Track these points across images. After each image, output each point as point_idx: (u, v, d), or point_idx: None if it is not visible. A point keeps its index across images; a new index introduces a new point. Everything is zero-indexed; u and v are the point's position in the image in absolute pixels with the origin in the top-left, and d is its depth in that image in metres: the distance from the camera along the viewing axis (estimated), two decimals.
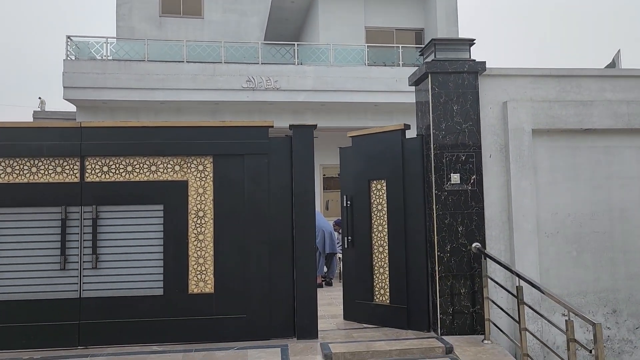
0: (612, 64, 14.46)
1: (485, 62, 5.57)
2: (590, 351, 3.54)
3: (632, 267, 5.72)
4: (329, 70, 13.80)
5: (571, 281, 5.64)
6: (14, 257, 5.06)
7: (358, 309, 6.03)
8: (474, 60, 5.59)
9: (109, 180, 5.23)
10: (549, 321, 4.14)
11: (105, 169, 5.23)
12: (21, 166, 5.14)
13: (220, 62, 13.43)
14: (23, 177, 5.13)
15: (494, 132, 5.67)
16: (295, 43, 14.70)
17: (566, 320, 3.74)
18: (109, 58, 13.15)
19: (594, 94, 5.82)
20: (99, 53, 13.09)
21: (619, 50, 14.41)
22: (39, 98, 20.15)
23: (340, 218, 10.24)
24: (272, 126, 5.47)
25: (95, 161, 5.22)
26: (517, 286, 4.47)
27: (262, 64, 13.74)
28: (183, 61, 13.25)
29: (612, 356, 5.60)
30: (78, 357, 4.76)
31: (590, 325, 3.55)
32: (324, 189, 16.75)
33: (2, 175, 5.11)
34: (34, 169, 5.15)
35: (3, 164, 5.12)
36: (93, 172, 5.22)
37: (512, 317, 4.95)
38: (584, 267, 5.67)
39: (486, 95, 5.68)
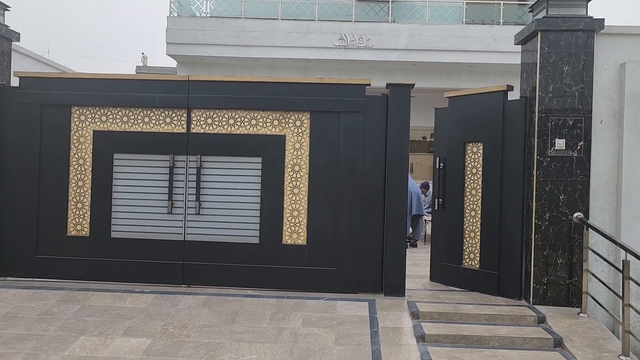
0: None
1: (603, 19, 5.15)
2: None
3: None
4: (424, 28, 13.35)
5: None
6: (129, 199, 5.53)
7: (446, 271, 6.01)
8: (591, 17, 5.19)
9: (212, 132, 5.50)
10: None
11: (209, 120, 5.50)
12: (135, 115, 5.53)
13: (314, 20, 13.41)
14: (137, 126, 5.53)
15: (607, 96, 5.28)
16: (390, 0, 14.32)
17: None
18: (208, 15, 13.55)
19: None
20: (199, 10, 13.51)
21: None
22: (142, 53, 21.28)
23: (426, 181, 10.13)
24: (369, 84, 5.45)
25: (200, 113, 5.50)
26: (623, 260, 4.24)
27: (355, 21, 13.55)
28: (278, 18, 13.37)
29: None
30: (182, 294, 5.18)
31: None
32: (410, 152, 16.51)
33: (119, 124, 5.54)
34: (146, 119, 5.52)
35: (120, 113, 5.54)
36: (198, 123, 5.51)
37: (614, 292, 4.72)
38: None
39: (601, 55, 5.27)
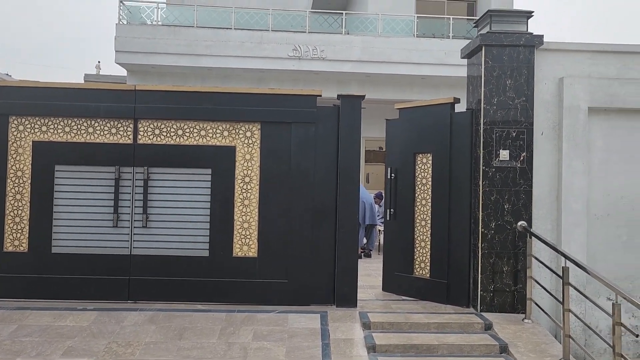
0: None
1: (542, 35, 5.37)
2: (637, 336, 3.47)
3: None
4: (376, 40, 13.58)
5: (619, 265, 5.49)
6: (72, 212, 5.32)
7: (397, 281, 6.07)
8: (531, 33, 5.40)
9: (160, 142, 5.38)
10: (594, 304, 4.08)
11: (157, 131, 5.38)
12: (79, 126, 5.34)
13: (268, 30, 13.41)
14: (80, 137, 5.34)
15: (547, 109, 5.50)
16: (343, 12, 14.51)
17: (613, 304, 3.67)
18: (159, 23, 13.33)
19: None
20: (150, 18, 13.28)
21: None
22: (98, 62, 20.80)
23: (380, 191, 10.24)
24: (320, 95, 5.47)
25: (147, 124, 5.37)
26: (563, 267, 4.39)
27: (309, 32, 13.65)
28: (231, 28, 13.29)
29: None
30: (128, 310, 5.01)
31: (638, 310, 3.48)
32: (365, 162, 16.70)
33: (61, 134, 5.33)
34: (90, 129, 5.35)
35: (62, 122, 5.34)
36: (145, 134, 5.38)
37: (555, 298, 4.89)
38: (634, 251, 5.51)
39: (541, 70, 5.49)
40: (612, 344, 3.70)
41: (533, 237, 5.11)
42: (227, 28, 13.27)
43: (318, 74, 13.68)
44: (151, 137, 5.38)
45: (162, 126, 5.38)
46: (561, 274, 4.43)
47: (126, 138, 5.35)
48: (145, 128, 5.37)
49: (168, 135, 5.39)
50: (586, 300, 4.95)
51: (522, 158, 5.34)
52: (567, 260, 4.48)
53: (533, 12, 5.44)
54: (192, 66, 12.99)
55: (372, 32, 13.98)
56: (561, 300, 4.45)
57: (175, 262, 5.32)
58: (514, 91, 5.37)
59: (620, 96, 5.45)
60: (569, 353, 4.23)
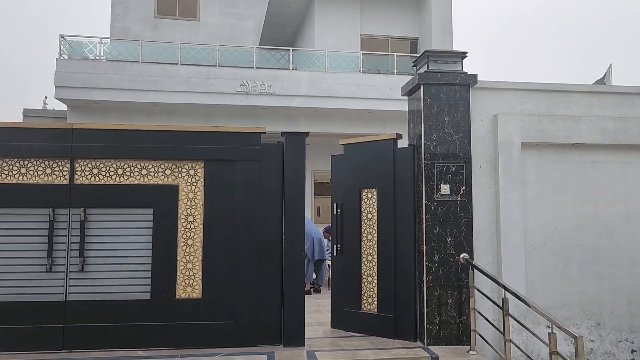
0: (603, 79, 14.63)
1: (476, 75, 5.63)
2: None
3: (617, 281, 5.78)
4: (324, 76, 13.85)
5: (557, 293, 5.69)
6: (2, 258, 5.03)
7: (346, 317, 6.04)
8: (466, 72, 5.65)
9: (98, 182, 5.22)
10: (532, 333, 4.18)
11: (95, 171, 5.22)
12: (10, 166, 5.11)
13: (215, 66, 13.44)
14: (12, 178, 5.11)
15: (484, 144, 5.73)
16: (291, 48, 14.75)
17: (549, 333, 3.78)
18: (102, 58, 13.12)
19: (583, 109, 5.90)
20: (93, 53, 13.06)
21: (610, 65, 14.59)
22: (45, 97, 20.21)
23: (329, 225, 10.27)
24: (265, 132, 5.49)
25: (85, 163, 5.21)
26: (502, 298, 4.51)
27: (256, 68, 13.77)
28: (177, 63, 13.24)
29: None
30: None
31: (572, 338, 3.59)
32: (315, 195, 16.78)
33: None
34: (23, 170, 5.13)
35: None
36: (83, 174, 5.21)
37: (497, 329, 4.99)
38: (569, 279, 5.73)
39: (477, 107, 5.74)
40: None
41: (475, 269, 5.24)
42: (173, 63, 13.21)
43: (266, 109, 13.77)
44: (89, 177, 5.21)
45: (101, 165, 5.23)
46: (502, 305, 4.54)
47: (62, 178, 5.15)
48: (83, 168, 5.21)
49: (107, 174, 5.24)
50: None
51: (462, 192, 5.51)
52: (506, 291, 4.60)
53: (467, 52, 5.71)
54: (137, 102, 12.79)
55: (319, 68, 14.27)
56: (502, 330, 4.55)
57: (114, 306, 5.10)
58: (452, 127, 5.57)
59: (550, 132, 5.75)
60: None
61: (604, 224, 5.84)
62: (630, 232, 5.85)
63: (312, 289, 9.09)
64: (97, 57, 13.12)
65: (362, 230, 6.03)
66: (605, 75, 14.66)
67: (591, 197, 5.85)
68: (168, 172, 5.34)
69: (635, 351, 5.74)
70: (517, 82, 5.93)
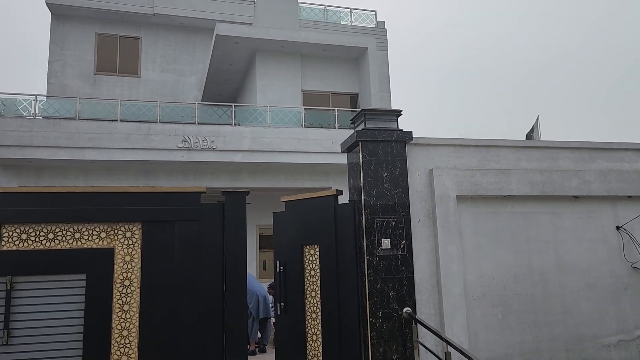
0: (532, 131, 15.60)
1: (411, 132, 5.86)
2: None
3: (553, 329, 5.97)
4: (266, 131, 13.99)
5: (498, 344, 5.79)
6: None
7: None
8: (402, 130, 5.88)
9: (27, 248, 4.94)
10: None
11: (23, 236, 4.95)
12: None
13: (156, 122, 13.32)
14: None
15: (422, 198, 5.90)
16: (233, 104, 14.89)
17: None
18: (37, 116, 12.73)
19: (512, 163, 6.23)
20: (27, 111, 12.65)
21: (537, 118, 15.60)
22: None
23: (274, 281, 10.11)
24: (205, 192, 5.42)
25: (12, 229, 4.94)
26: (445, 352, 4.54)
27: (198, 124, 13.76)
28: (117, 120, 13.03)
29: None
30: None
31: None
32: (260, 249, 16.58)
33: None
34: None
35: None
36: (10, 240, 4.92)
37: None
38: (509, 329, 5.86)
39: (413, 162, 5.94)
40: None
41: (418, 323, 5.26)
42: (112, 120, 12.99)
43: (209, 165, 13.68)
44: (16, 242, 4.93)
45: (30, 230, 4.97)
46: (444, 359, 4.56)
47: None
48: (10, 233, 4.93)
49: (37, 239, 4.98)
50: None
51: (402, 246, 5.60)
52: (448, 346, 4.63)
53: (401, 111, 5.96)
54: (74, 159, 12.40)
55: (261, 123, 14.43)
56: None
57: None
58: (391, 182, 5.72)
59: (483, 185, 6.02)
60: None
61: (538, 273, 6.07)
62: (562, 279, 6.10)
63: (257, 349, 8.82)
64: (31, 115, 12.72)
65: (306, 287, 5.97)
66: (533, 127, 15.64)
67: (525, 247, 6.09)
68: (103, 234, 5.14)
69: None
70: (450, 138, 6.21)
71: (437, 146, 6.11)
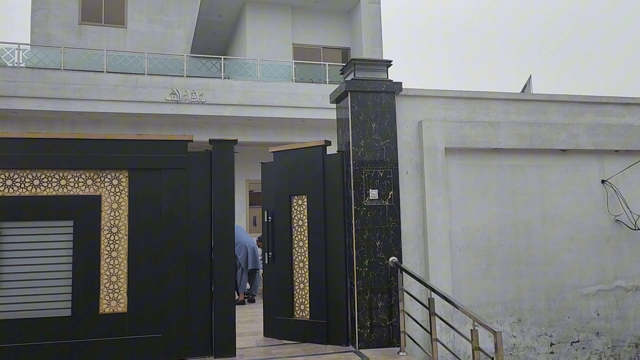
0: (524, 90, 15.55)
1: (401, 82, 5.80)
2: (492, 358, 3.73)
3: (535, 279, 6.11)
4: (256, 85, 13.80)
5: (481, 292, 5.93)
6: None
7: (278, 325, 6.01)
8: (391, 80, 5.81)
9: (12, 194, 4.91)
10: (457, 332, 4.33)
11: (9, 182, 4.91)
12: None
13: (144, 74, 13.06)
14: None
15: (410, 149, 5.90)
16: (222, 57, 14.60)
17: (471, 330, 3.93)
18: (21, 65, 12.43)
19: (501, 115, 6.22)
20: (10, 60, 12.33)
21: (530, 76, 15.50)
22: None
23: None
24: (192, 140, 5.38)
25: None
26: (429, 299, 4.64)
27: (187, 77, 13.51)
28: (103, 71, 12.76)
29: None
30: None
31: (492, 333, 3.74)
32: (250, 205, 16.63)
33: None
34: None
35: None
36: None
37: (425, 329, 5.12)
38: (492, 279, 5.99)
39: (403, 114, 5.91)
40: None
41: (404, 272, 5.36)
42: (99, 71, 12.72)
43: (198, 118, 13.53)
44: (2, 188, 4.89)
45: (15, 176, 4.93)
46: (428, 306, 4.67)
47: None
48: None
49: (22, 186, 4.95)
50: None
51: (390, 197, 5.64)
52: (432, 292, 4.74)
53: (392, 61, 5.88)
54: (60, 111, 12.19)
55: (251, 77, 14.21)
56: (429, 330, 4.68)
57: (33, 325, 4.80)
58: (379, 134, 5.70)
59: (472, 137, 6.02)
60: None
61: (523, 225, 6.16)
62: (546, 232, 6.21)
63: (246, 299, 8.98)
64: (15, 64, 12.41)
65: (293, 237, 6.03)
66: (525, 86, 15.56)
67: (511, 199, 6.16)
68: (89, 182, 5.11)
69: (554, 344, 6.07)
70: (440, 89, 6.17)
71: (426, 98, 6.07)
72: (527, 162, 6.26)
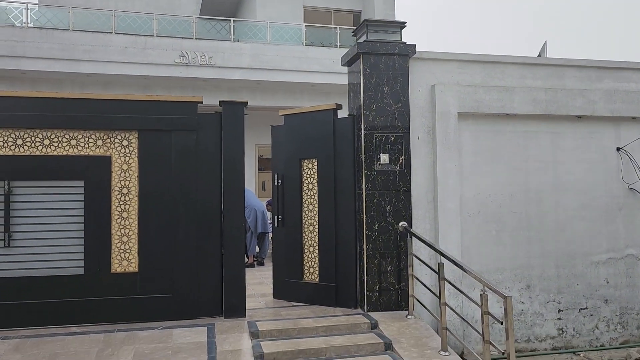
0: (539, 56, 15.21)
1: (415, 45, 5.67)
2: (502, 323, 3.74)
3: (545, 245, 6.08)
4: (266, 48, 13.59)
5: (490, 258, 5.93)
6: None
7: (288, 287, 6.06)
8: (405, 42, 5.67)
9: (23, 154, 4.92)
10: (466, 296, 4.33)
11: (19, 141, 4.91)
12: None
13: (152, 35, 12.90)
14: None
15: (422, 114, 5.81)
16: (232, 19, 14.36)
17: (481, 294, 3.93)
18: (29, 25, 12.30)
19: (516, 80, 6.08)
20: (18, 20, 12.20)
21: (545, 42, 15.14)
22: None
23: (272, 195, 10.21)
24: (202, 102, 5.33)
25: (7, 133, 4.89)
26: (439, 263, 4.64)
27: (196, 39, 13.33)
28: (112, 32, 12.61)
29: (525, 328, 5.97)
30: None
31: (502, 298, 3.74)
32: (259, 170, 16.63)
33: None
34: None
35: None
36: (5, 144, 4.89)
37: (434, 293, 5.14)
38: (502, 245, 5.97)
39: (415, 78, 5.79)
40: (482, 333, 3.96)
41: (413, 237, 5.35)
42: (107, 32, 12.57)
43: (207, 82, 13.41)
44: (12, 147, 4.90)
45: (25, 135, 4.92)
46: (438, 270, 4.67)
47: None
48: (6, 138, 4.88)
49: (33, 145, 4.94)
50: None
51: (400, 161, 5.58)
52: (442, 257, 4.73)
53: (405, 23, 5.73)
54: (69, 72, 12.12)
55: (261, 40, 13.99)
56: (438, 294, 4.69)
57: (46, 282, 4.88)
58: (391, 97, 5.61)
59: (485, 102, 5.90)
60: (447, 344, 4.45)
61: (535, 192, 6.10)
62: (558, 199, 6.15)
63: (255, 262, 9.07)
64: (23, 24, 12.29)
65: (303, 200, 6.02)
66: (540, 52, 15.21)
67: (523, 166, 6.08)
68: (100, 142, 5.10)
69: (562, 311, 6.09)
70: (454, 53, 6.02)
71: (440, 61, 5.93)
72: (541, 128, 6.15)
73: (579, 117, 6.21)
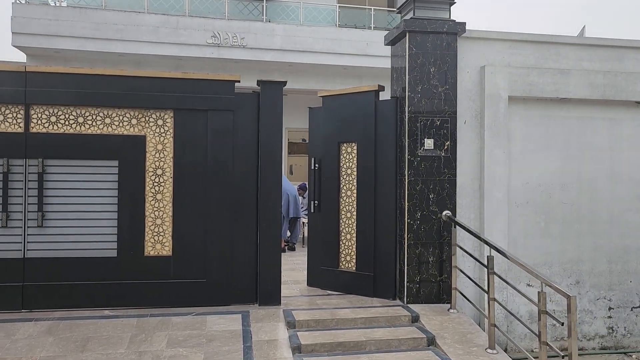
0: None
1: (465, 23, 5.32)
2: (562, 324, 3.45)
3: (597, 239, 5.73)
4: (299, 29, 13.28)
5: (538, 251, 5.60)
6: None
7: (323, 275, 5.86)
8: (454, 20, 5.33)
9: (57, 131, 4.78)
10: (519, 292, 4.04)
11: (53, 119, 4.78)
12: None
13: (184, 15, 12.71)
14: None
15: (470, 97, 5.47)
16: None
17: (539, 292, 3.64)
18: (63, 4, 12.24)
19: (572, 62, 5.68)
20: None
21: (584, 27, 14.44)
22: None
23: (304, 182, 10.01)
24: (239, 81, 5.10)
25: (42, 110, 4.76)
26: (487, 256, 4.35)
27: (228, 19, 13.09)
28: (144, 11, 12.47)
29: None
30: (21, 321, 4.42)
31: (562, 296, 3.46)
32: (288, 153, 16.44)
33: None
34: None
35: None
36: (40, 122, 4.76)
37: (480, 287, 4.86)
38: (551, 237, 5.64)
39: (464, 58, 5.45)
40: (537, 332, 3.68)
41: (457, 227, 5.07)
42: (140, 12, 12.43)
43: (238, 63, 13.18)
44: (46, 125, 4.77)
45: (60, 113, 4.78)
46: (486, 263, 4.39)
47: (16, 126, 4.70)
48: (39, 115, 4.76)
49: (67, 123, 4.80)
50: (507, 287, 5.00)
51: (446, 147, 5.28)
52: (491, 249, 4.44)
53: None
54: (102, 51, 12.04)
55: (294, 21, 13.68)
56: (486, 289, 4.41)
57: (78, 264, 4.77)
58: (438, 79, 5.29)
59: (538, 85, 5.53)
60: (494, 342, 4.19)
61: (587, 182, 5.73)
62: (613, 190, 5.76)
63: (286, 247, 8.91)
64: (57, 3, 12.24)
65: (341, 186, 5.78)
66: (578, 36, 14.52)
67: (577, 154, 5.71)
68: (134, 121, 4.93)
69: (612, 309, 5.74)
70: (505, 32, 5.64)
71: (490, 41, 5.57)
72: (598, 114, 5.75)
73: (638, 102, 5.78)
